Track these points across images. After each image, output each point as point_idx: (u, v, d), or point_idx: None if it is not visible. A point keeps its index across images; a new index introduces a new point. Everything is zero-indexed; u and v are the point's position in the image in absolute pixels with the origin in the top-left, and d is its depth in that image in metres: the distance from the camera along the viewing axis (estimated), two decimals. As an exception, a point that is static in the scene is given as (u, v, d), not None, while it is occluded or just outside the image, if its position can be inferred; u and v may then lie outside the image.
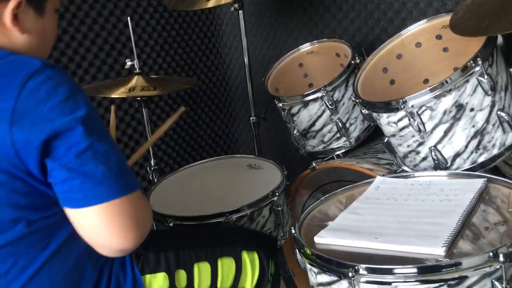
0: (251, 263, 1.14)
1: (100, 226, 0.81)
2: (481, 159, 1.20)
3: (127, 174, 0.84)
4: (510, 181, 1.07)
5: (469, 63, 1.12)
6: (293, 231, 1.05)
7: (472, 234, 0.92)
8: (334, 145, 1.62)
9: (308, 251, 0.96)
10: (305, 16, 2.09)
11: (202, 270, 1.07)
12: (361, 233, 0.96)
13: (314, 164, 1.56)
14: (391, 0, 1.81)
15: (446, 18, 1.33)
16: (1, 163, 0.79)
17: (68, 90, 0.80)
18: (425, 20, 1.40)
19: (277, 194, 1.39)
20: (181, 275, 1.03)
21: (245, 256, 1.14)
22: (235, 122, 2.59)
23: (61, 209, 0.84)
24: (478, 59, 1.11)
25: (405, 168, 1.35)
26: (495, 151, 1.20)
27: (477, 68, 1.11)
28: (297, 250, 1.03)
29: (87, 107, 0.81)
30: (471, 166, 1.21)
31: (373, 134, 1.68)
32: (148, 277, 0.99)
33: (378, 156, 1.55)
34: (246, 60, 1.86)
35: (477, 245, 0.88)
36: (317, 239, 0.99)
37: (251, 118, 1.91)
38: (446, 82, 1.13)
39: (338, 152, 1.63)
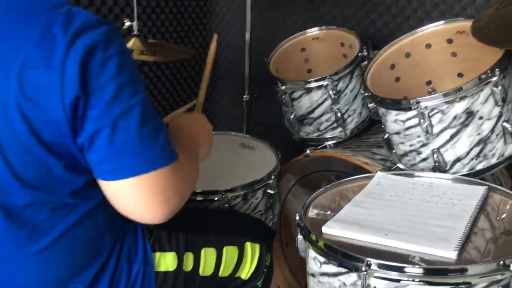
0: (251, 254, 1.14)
1: (134, 198, 0.78)
2: (480, 166, 1.23)
3: (162, 145, 0.80)
4: (509, 191, 1.10)
5: (486, 73, 1.13)
6: (297, 217, 1.04)
7: (475, 239, 0.94)
8: (329, 134, 1.62)
9: (315, 239, 0.95)
10: (312, 4, 2.06)
11: (208, 255, 1.05)
12: (370, 228, 0.97)
13: (308, 151, 1.56)
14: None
15: (463, 24, 1.34)
16: (49, 127, 0.75)
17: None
18: (442, 22, 1.40)
19: (272, 177, 1.39)
20: (189, 257, 1.02)
21: (248, 246, 1.14)
22: (224, 98, 2.54)
23: (92, 180, 0.81)
24: (497, 69, 1.12)
25: (401, 166, 1.37)
26: (493, 161, 1.23)
27: (494, 78, 1.13)
28: (300, 236, 1.03)
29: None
30: (468, 172, 1.24)
31: (365, 128, 1.69)
32: (157, 254, 0.97)
33: (372, 151, 1.56)
34: (247, 36, 1.81)
35: (482, 252, 0.90)
36: (325, 229, 0.99)
37: (244, 96, 1.88)
38: (462, 88, 1.14)
39: (330, 142, 1.63)
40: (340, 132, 1.60)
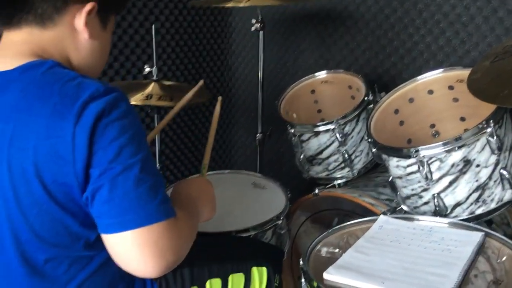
0: (259, 277, 1.18)
1: (130, 252, 0.84)
2: (479, 211, 1.28)
3: (158, 202, 0.86)
4: (505, 239, 1.14)
5: (481, 124, 1.19)
6: (301, 262, 1.11)
7: (477, 282, 1.00)
8: (338, 174, 1.69)
9: (316, 286, 1.02)
10: (323, 45, 2.15)
11: (213, 286, 1.11)
12: (368, 275, 1.03)
13: (317, 191, 1.63)
14: (413, 43, 1.90)
15: (461, 72, 1.41)
16: (63, 188, 0.83)
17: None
18: (441, 70, 1.47)
19: (281, 218, 1.45)
20: None
21: (254, 271, 1.18)
22: (237, 137, 2.64)
23: None
24: (491, 121, 1.18)
25: (404, 208, 1.42)
26: (492, 205, 1.28)
27: (489, 129, 1.19)
28: (304, 281, 1.09)
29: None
30: (468, 217, 1.29)
31: (374, 166, 1.75)
32: None
33: (378, 191, 1.62)
34: (260, 76, 1.90)
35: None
36: (326, 275, 1.05)
37: (257, 134, 1.97)
38: (460, 138, 1.20)
39: (339, 181, 1.69)
40: (348, 171, 1.67)
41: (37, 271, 0.88)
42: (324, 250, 1.20)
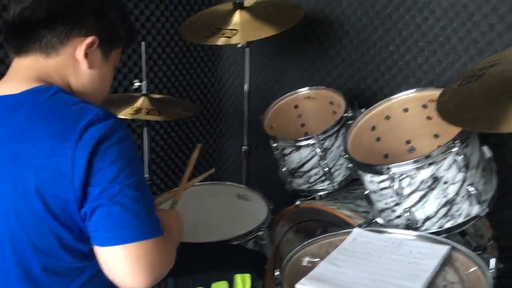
0: (242, 284, 1.25)
1: (121, 265, 0.91)
2: (448, 225, 1.36)
3: (151, 220, 0.93)
4: (470, 253, 1.22)
5: (448, 143, 1.27)
6: (276, 273, 1.18)
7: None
8: (318, 186, 1.76)
9: (290, 297, 1.09)
10: (308, 60, 2.23)
11: None
12: (339, 286, 1.10)
13: (298, 203, 1.70)
14: (394, 60, 1.98)
15: (433, 93, 1.48)
16: (58, 204, 0.90)
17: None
18: (414, 90, 1.55)
19: (262, 229, 1.52)
20: None
21: (238, 278, 1.24)
22: (225, 149, 2.72)
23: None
24: (457, 141, 1.26)
25: (380, 220, 1.49)
26: (460, 220, 1.35)
27: (455, 149, 1.27)
28: (279, 291, 1.16)
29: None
30: (438, 230, 1.37)
31: (354, 179, 1.83)
32: None
33: (356, 203, 1.69)
34: (246, 90, 1.98)
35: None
36: (299, 286, 1.12)
37: (243, 147, 2.04)
38: (430, 156, 1.28)
39: (321, 193, 1.77)
40: (329, 184, 1.74)
41: (33, 278, 0.95)
42: (305, 260, 1.28)
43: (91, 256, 0.95)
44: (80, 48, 1.02)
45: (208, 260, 1.30)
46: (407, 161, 1.29)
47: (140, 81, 1.82)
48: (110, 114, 0.95)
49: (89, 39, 1.02)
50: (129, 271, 0.91)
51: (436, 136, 1.59)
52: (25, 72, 1.01)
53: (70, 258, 0.95)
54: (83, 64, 1.03)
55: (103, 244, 0.91)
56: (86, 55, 1.03)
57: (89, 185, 0.90)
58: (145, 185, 0.97)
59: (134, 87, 1.82)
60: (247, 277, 1.26)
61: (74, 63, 1.03)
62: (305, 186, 1.78)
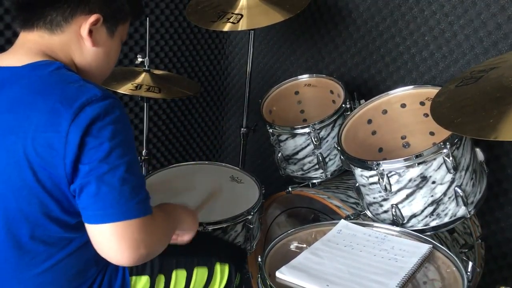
0: (221, 274, 1.29)
1: (108, 242, 0.94)
2: (433, 223, 1.38)
3: (139, 200, 0.95)
4: (450, 254, 1.23)
5: (439, 144, 1.27)
6: (259, 259, 1.21)
7: (412, 286, 1.10)
8: (312, 174, 1.77)
9: (269, 284, 1.12)
10: (314, 47, 2.21)
11: (179, 276, 1.21)
12: (316, 277, 1.13)
13: (290, 189, 1.71)
14: (399, 52, 1.96)
15: (430, 91, 1.47)
16: (53, 179, 0.93)
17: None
18: (411, 86, 1.55)
19: (252, 213, 1.55)
20: (161, 280, 1.18)
21: (217, 267, 1.29)
22: (225, 129, 2.73)
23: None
24: (447, 143, 1.26)
25: (368, 213, 1.51)
26: (446, 219, 1.37)
27: (445, 150, 1.27)
28: (259, 277, 1.19)
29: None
30: (423, 228, 1.38)
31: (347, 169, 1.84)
32: (133, 278, 1.14)
33: (347, 194, 1.70)
34: (248, 72, 1.98)
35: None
36: (278, 274, 1.15)
37: (242, 129, 2.05)
38: (420, 155, 1.29)
39: (314, 181, 1.78)
40: (322, 173, 1.76)
41: (20, 246, 0.99)
42: (293, 245, 1.31)
43: (80, 228, 0.99)
44: (84, 25, 1.03)
45: (192, 245, 1.32)
46: (398, 159, 1.30)
47: (143, 57, 1.83)
48: (109, 95, 0.96)
49: (92, 17, 1.03)
50: (115, 247, 0.94)
51: (431, 133, 1.60)
52: (30, 46, 1.03)
53: (57, 228, 0.99)
54: (88, 41, 1.05)
55: (91, 221, 0.94)
56: (91, 32, 1.04)
57: (80, 162, 0.92)
58: (137, 166, 0.99)
59: (136, 62, 1.82)
60: (226, 267, 1.30)
61: (78, 41, 1.05)
62: (298, 173, 1.80)
